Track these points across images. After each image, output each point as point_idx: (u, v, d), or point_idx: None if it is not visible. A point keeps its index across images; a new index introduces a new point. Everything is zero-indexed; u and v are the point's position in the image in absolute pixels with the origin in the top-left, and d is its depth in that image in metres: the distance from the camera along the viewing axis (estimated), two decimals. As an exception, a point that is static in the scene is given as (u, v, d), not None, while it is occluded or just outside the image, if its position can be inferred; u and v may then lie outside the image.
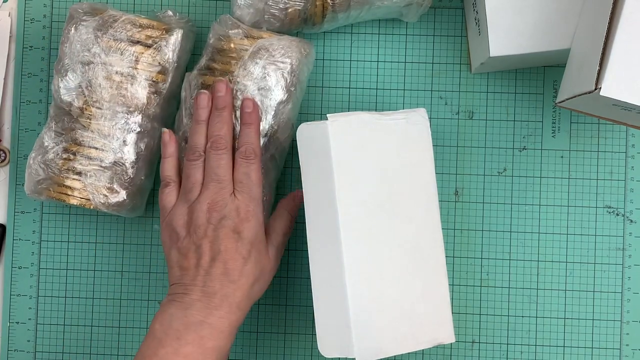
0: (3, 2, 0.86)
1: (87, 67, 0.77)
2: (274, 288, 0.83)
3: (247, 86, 0.75)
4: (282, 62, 0.76)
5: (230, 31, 0.77)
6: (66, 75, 0.77)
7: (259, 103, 0.76)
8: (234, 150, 0.75)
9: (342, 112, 0.80)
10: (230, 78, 0.76)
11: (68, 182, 0.77)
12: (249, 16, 0.77)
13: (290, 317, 0.84)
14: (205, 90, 0.76)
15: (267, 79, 0.76)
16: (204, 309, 0.70)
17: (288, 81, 0.76)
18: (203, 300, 0.70)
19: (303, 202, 0.73)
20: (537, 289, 0.83)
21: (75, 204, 0.77)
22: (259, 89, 0.76)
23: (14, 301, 0.84)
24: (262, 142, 0.76)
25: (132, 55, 0.77)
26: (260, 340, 0.84)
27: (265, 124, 0.76)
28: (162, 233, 0.74)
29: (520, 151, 0.83)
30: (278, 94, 0.76)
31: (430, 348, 0.81)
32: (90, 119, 0.77)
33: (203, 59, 0.78)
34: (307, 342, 0.84)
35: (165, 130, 0.77)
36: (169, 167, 0.76)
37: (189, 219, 0.72)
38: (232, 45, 0.76)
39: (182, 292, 0.71)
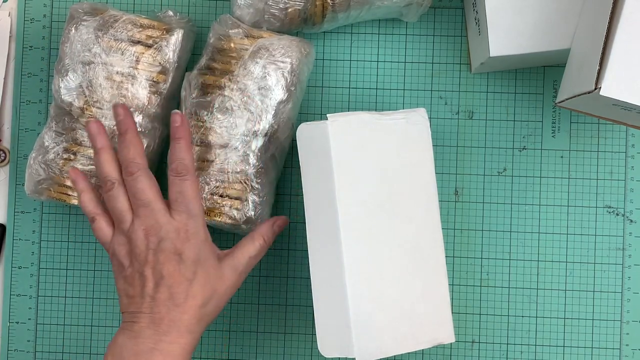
0: (3, 2, 0.86)
1: (87, 67, 0.77)
2: (274, 288, 0.83)
3: (247, 85, 0.76)
4: (282, 62, 0.76)
5: (230, 31, 0.77)
6: (67, 75, 0.77)
7: (259, 102, 0.76)
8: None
9: (342, 112, 0.80)
10: (231, 77, 0.76)
11: (68, 182, 0.77)
12: (249, 16, 0.77)
13: (290, 317, 0.84)
14: (94, 119, 0.75)
15: (267, 78, 0.76)
16: (153, 335, 0.68)
17: (288, 81, 0.76)
18: (151, 327, 0.68)
19: (287, 224, 0.76)
20: (537, 289, 0.83)
21: (75, 204, 0.77)
22: (259, 89, 0.76)
23: (14, 301, 0.84)
24: (262, 142, 0.76)
25: (133, 55, 0.77)
26: (260, 340, 0.84)
27: (265, 124, 0.76)
28: (112, 263, 0.72)
29: (520, 151, 0.83)
30: (278, 94, 0.76)
31: (430, 348, 0.81)
32: (90, 119, 0.77)
33: (203, 58, 0.78)
34: (307, 342, 0.84)
35: (71, 168, 0.75)
36: (86, 203, 0.73)
37: (129, 248, 0.71)
38: (232, 45, 0.76)
39: (131, 320, 0.69)
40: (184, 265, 0.69)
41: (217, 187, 0.76)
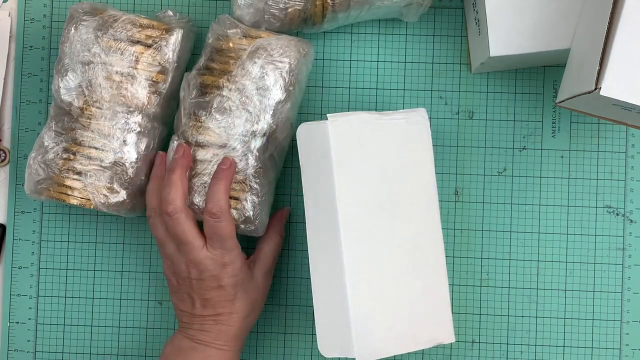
0: (3, 2, 0.86)
1: (87, 67, 0.77)
2: (274, 288, 0.83)
3: (245, 86, 0.75)
4: (281, 62, 0.76)
5: (228, 31, 0.77)
6: (66, 75, 0.77)
7: (257, 103, 0.75)
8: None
9: (342, 112, 0.80)
10: (229, 77, 0.76)
11: (68, 182, 0.77)
12: (249, 16, 0.77)
13: (290, 317, 0.84)
14: (161, 152, 0.79)
15: (265, 78, 0.76)
16: (205, 339, 0.75)
17: (287, 80, 0.76)
18: (203, 334, 0.76)
19: (291, 213, 0.76)
20: (537, 289, 0.83)
21: (75, 204, 0.77)
22: (257, 89, 0.76)
23: (14, 301, 0.84)
24: (261, 142, 0.76)
25: (132, 55, 0.77)
26: (260, 340, 0.84)
27: (263, 124, 0.76)
28: (163, 263, 0.78)
29: (520, 151, 0.83)
30: (277, 94, 0.76)
31: (430, 348, 0.81)
32: (90, 119, 0.77)
33: (202, 58, 0.78)
34: (307, 342, 0.84)
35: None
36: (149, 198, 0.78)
37: (174, 270, 0.76)
38: (230, 45, 0.76)
39: (186, 327, 0.77)
40: (225, 291, 0.75)
41: None
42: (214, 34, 0.77)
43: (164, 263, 0.77)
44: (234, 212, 0.76)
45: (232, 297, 0.75)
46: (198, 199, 0.76)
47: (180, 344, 0.76)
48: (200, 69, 0.77)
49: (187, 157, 0.76)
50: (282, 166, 0.80)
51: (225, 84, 0.76)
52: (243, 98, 0.76)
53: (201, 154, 0.76)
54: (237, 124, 0.76)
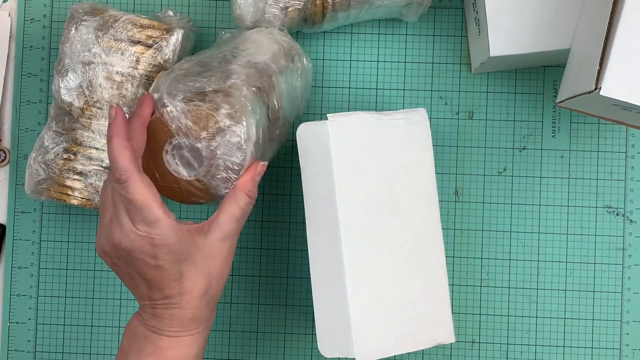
0: (3, 2, 0.86)
1: (87, 67, 0.77)
2: (274, 288, 0.83)
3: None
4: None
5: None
6: (67, 75, 0.77)
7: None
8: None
9: (342, 112, 0.80)
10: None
11: (68, 182, 0.77)
12: (249, 15, 0.77)
13: (290, 317, 0.84)
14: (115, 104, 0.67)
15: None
16: (158, 326, 0.66)
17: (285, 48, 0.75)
18: (155, 319, 0.66)
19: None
20: (537, 289, 0.83)
21: (75, 204, 0.77)
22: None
23: (14, 301, 0.84)
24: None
25: (133, 55, 0.77)
26: (260, 340, 0.84)
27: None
28: (98, 236, 0.68)
29: (520, 151, 0.83)
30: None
31: (430, 348, 0.81)
32: (90, 119, 0.77)
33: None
34: (307, 342, 0.84)
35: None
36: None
37: (109, 241, 0.65)
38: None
39: (141, 310, 0.68)
40: (165, 271, 0.64)
41: None
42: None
43: (100, 235, 0.66)
44: (222, 112, 0.67)
45: (177, 277, 0.64)
46: None
47: (135, 330, 0.66)
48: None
49: (119, 121, 0.64)
50: (283, 142, 0.77)
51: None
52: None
53: None
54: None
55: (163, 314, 0.65)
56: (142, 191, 0.62)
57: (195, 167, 0.68)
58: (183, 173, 0.68)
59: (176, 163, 0.68)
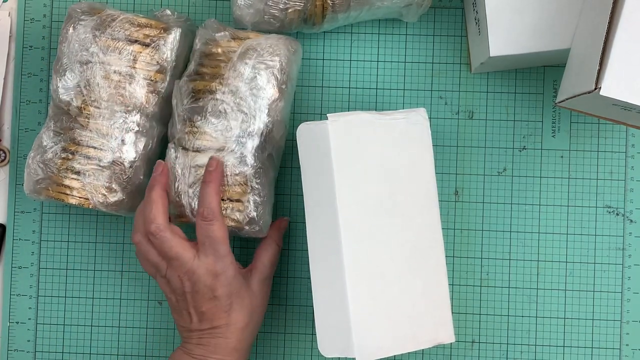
0: (3, 2, 0.86)
1: (85, 67, 0.77)
2: (274, 288, 0.83)
3: (238, 87, 0.75)
4: (271, 61, 0.76)
5: (216, 34, 0.77)
6: (64, 74, 0.77)
7: (251, 103, 0.75)
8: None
9: (342, 112, 0.80)
10: (221, 81, 0.76)
11: (67, 182, 0.77)
12: (249, 16, 0.77)
13: (290, 317, 0.84)
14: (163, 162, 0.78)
15: (257, 78, 0.76)
16: (203, 353, 0.75)
17: (279, 79, 0.76)
18: (201, 348, 0.75)
19: (291, 213, 0.74)
20: (537, 289, 0.83)
21: (74, 203, 0.77)
22: (250, 89, 0.76)
23: (14, 301, 0.84)
24: (258, 141, 0.76)
25: (130, 54, 0.77)
26: (260, 340, 0.84)
27: (260, 124, 0.76)
28: (160, 284, 0.77)
29: (520, 151, 0.83)
30: (270, 92, 0.76)
31: (430, 348, 0.81)
32: (88, 119, 0.77)
33: (191, 65, 0.78)
34: (307, 342, 0.84)
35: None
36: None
37: (170, 287, 0.75)
38: (219, 49, 0.76)
39: (185, 341, 0.76)
40: (219, 301, 0.74)
41: None
42: (201, 38, 0.77)
43: (160, 283, 0.76)
44: (237, 214, 0.76)
45: (228, 308, 0.74)
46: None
47: (179, 359, 0.76)
48: (191, 74, 0.77)
49: (165, 175, 0.76)
50: (280, 165, 0.80)
51: (218, 88, 0.76)
52: (237, 100, 0.75)
53: (200, 159, 0.76)
54: (233, 125, 0.76)
55: (209, 343, 0.75)
56: (222, 229, 0.74)
57: None
58: None
59: None
